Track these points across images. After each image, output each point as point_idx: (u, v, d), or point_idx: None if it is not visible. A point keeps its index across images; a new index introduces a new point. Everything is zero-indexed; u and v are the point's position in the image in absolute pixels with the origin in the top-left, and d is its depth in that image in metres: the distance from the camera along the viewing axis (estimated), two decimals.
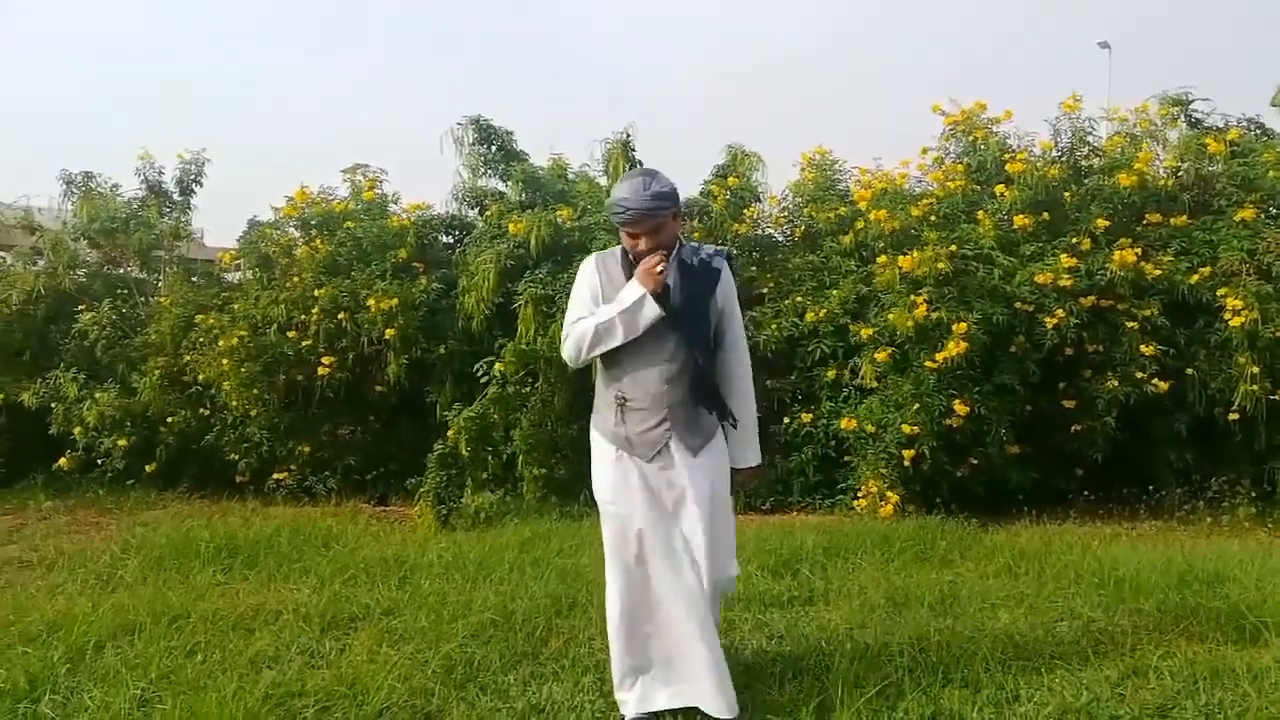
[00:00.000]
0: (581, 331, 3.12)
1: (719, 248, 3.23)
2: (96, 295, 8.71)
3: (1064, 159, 7.67)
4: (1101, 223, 7.06)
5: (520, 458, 7.14)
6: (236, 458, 7.86)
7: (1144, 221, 7.24)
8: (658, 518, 3.09)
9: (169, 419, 7.90)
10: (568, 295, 7.31)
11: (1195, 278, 6.77)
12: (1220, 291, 6.65)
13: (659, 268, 3.03)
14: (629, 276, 3.13)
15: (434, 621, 4.20)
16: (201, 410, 7.97)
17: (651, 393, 3.12)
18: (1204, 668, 3.63)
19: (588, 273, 3.26)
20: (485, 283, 7.50)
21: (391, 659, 3.75)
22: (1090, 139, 7.75)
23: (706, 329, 3.17)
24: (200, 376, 7.74)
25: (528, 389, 7.24)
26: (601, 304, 3.15)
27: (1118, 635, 4.08)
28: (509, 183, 8.61)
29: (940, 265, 6.59)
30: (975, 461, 6.64)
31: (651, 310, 3.04)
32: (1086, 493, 7.03)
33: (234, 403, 7.62)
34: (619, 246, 3.23)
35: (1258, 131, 7.90)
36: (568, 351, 3.20)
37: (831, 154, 8.19)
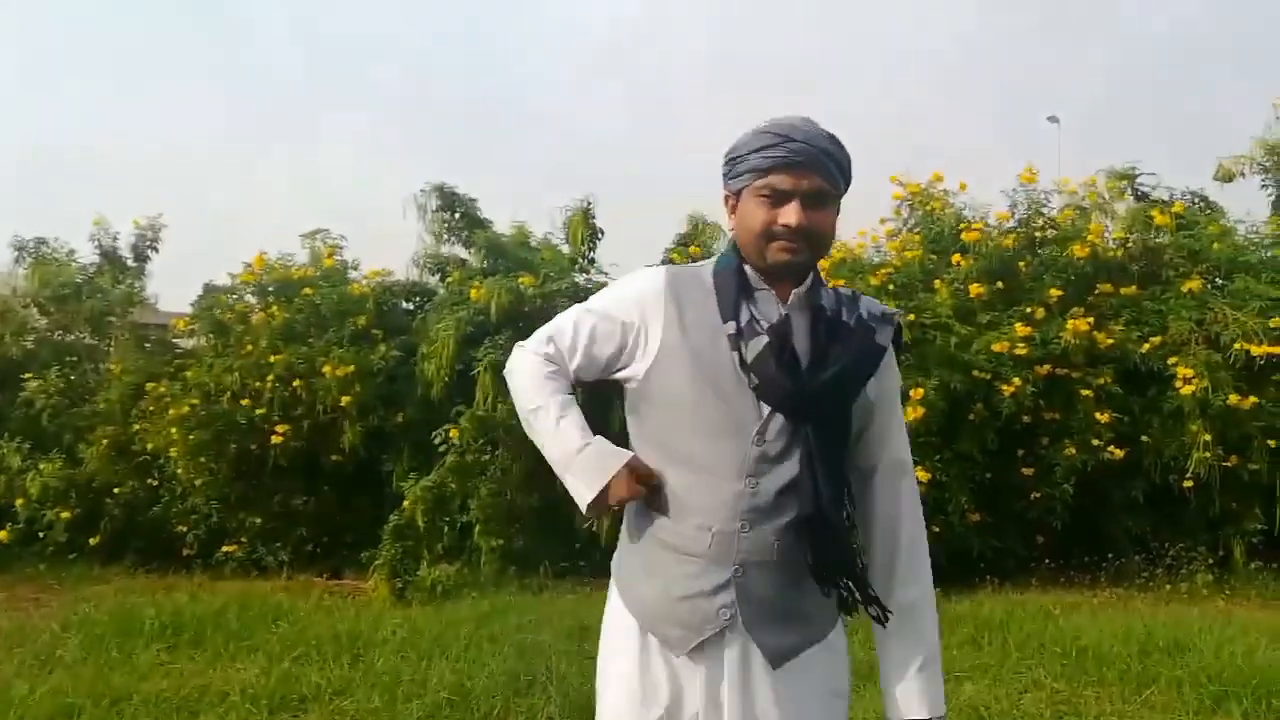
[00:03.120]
0: (529, 374, 1.81)
1: (888, 307, 1.83)
2: (45, 362, 8.55)
3: (1020, 229, 7.82)
4: (1055, 292, 7.18)
5: (477, 528, 7.02)
6: (184, 530, 7.63)
7: (1095, 291, 7.38)
8: None
9: (115, 490, 7.69)
10: None
11: (1146, 346, 6.88)
12: (1171, 360, 6.75)
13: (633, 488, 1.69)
14: (734, 309, 1.68)
15: (387, 701, 4.08)
16: (149, 480, 7.77)
17: (713, 529, 1.66)
18: None
19: (649, 292, 1.75)
20: (445, 350, 7.43)
21: None
22: (1045, 210, 7.92)
23: (846, 434, 1.72)
24: (149, 446, 7.57)
25: (486, 457, 7.15)
26: (648, 340, 1.72)
27: (1081, 706, 4.07)
28: (471, 249, 8.61)
29: None
30: (937, 529, 6.62)
31: (579, 503, 1.72)
32: (1048, 560, 7.04)
33: (181, 471, 7.45)
34: (710, 263, 1.79)
35: (1201, 205, 8.12)
36: (516, 364, 1.85)
37: None
